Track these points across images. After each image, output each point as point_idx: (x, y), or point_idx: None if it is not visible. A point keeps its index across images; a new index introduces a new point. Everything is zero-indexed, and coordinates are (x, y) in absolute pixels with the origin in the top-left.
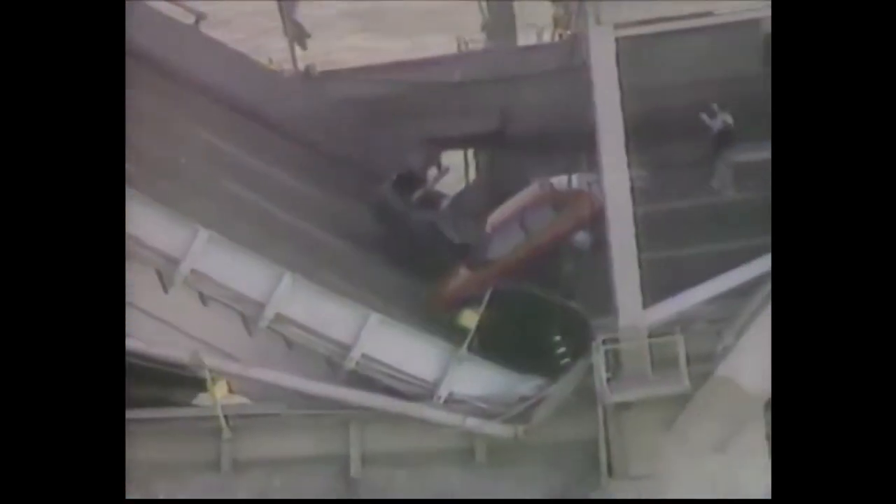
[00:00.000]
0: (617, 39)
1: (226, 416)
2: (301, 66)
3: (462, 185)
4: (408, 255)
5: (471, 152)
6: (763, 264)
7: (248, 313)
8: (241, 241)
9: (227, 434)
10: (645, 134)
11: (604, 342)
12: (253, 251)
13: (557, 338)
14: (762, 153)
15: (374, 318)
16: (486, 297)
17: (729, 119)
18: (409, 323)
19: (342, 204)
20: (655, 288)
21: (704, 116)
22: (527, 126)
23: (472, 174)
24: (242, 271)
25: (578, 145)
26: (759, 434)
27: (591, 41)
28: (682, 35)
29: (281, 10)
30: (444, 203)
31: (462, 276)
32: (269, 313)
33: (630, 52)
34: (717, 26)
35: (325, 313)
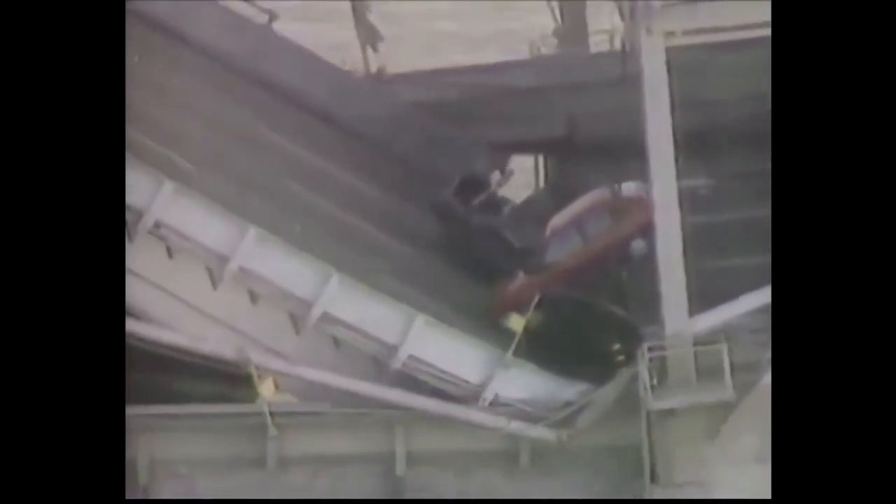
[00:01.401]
0: (668, 49)
1: (271, 414)
2: (373, 68)
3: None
4: (467, 258)
5: (542, 158)
6: None
7: (295, 312)
8: (295, 241)
9: (272, 431)
10: (698, 144)
11: (649, 349)
12: (302, 250)
13: (617, 346)
14: None
15: (421, 319)
16: (534, 302)
17: None
18: (455, 325)
19: (405, 206)
20: (702, 297)
21: None
22: (594, 133)
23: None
24: (291, 270)
25: (642, 153)
26: None
27: (643, 49)
28: (739, 45)
29: (354, 10)
30: (507, 208)
31: (520, 280)
32: (317, 312)
33: (684, 61)
34: None
35: (373, 314)
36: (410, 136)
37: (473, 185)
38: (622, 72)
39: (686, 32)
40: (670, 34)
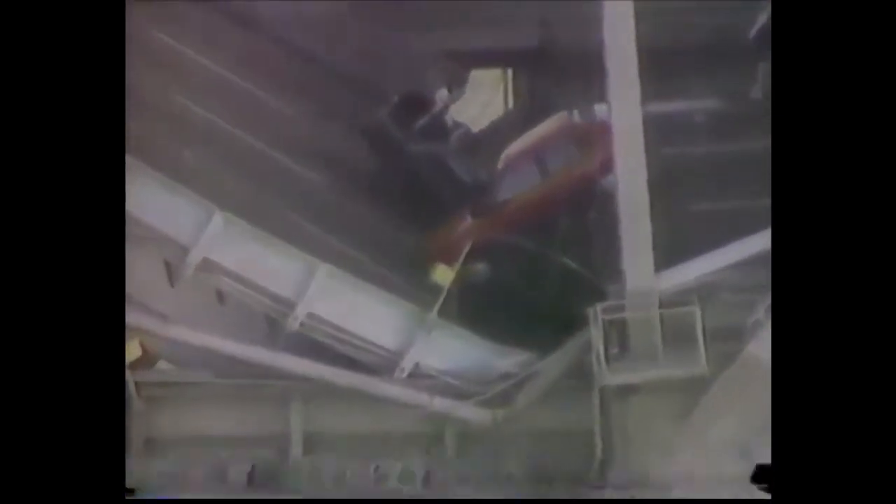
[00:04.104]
0: None
1: (137, 384)
2: None
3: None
4: (402, 195)
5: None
6: None
7: (170, 258)
8: (182, 171)
9: (138, 405)
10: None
11: (604, 311)
12: (181, 181)
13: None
14: None
15: (324, 269)
16: (465, 251)
17: None
18: (374, 279)
19: (327, 128)
20: (672, 248)
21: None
22: (571, 44)
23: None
24: (165, 206)
25: None
26: None
27: None
28: None
29: None
30: (456, 134)
31: (464, 223)
32: (195, 258)
33: None
34: None
35: (265, 261)
36: (345, 44)
37: (416, 105)
38: None
39: None
40: None
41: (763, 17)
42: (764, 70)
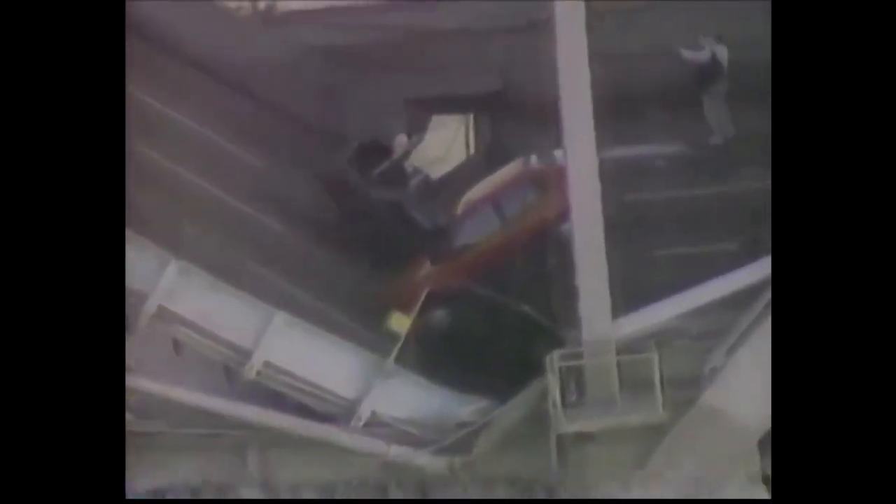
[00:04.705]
0: None
1: None
2: (261, 5)
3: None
4: (363, 242)
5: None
6: (762, 269)
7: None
8: (138, 219)
9: None
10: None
11: (561, 358)
12: (138, 233)
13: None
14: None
15: (281, 317)
16: (422, 298)
17: (721, 51)
18: (334, 327)
19: (288, 174)
20: (631, 294)
21: (685, 51)
22: (532, 88)
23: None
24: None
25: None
26: (754, 477)
27: None
28: None
29: None
30: (416, 180)
31: (423, 269)
32: (151, 307)
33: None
34: None
35: (221, 310)
36: (306, 91)
37: (377, 152)
38: None
39: None
40: None
41: (704, 55)
42: (711, 105)
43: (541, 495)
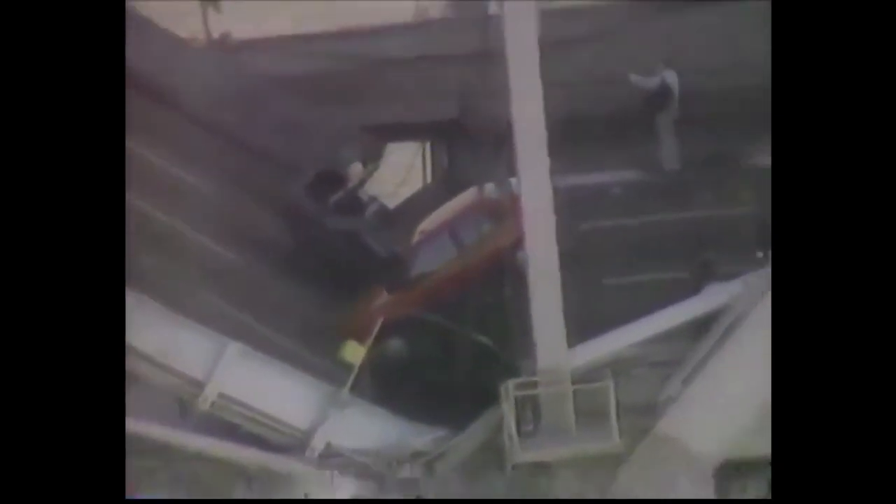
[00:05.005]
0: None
1: None
2: (215, 34)
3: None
4: (318, 271)
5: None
6: (719, 296)
7: None
8: None
9: None
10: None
11: (516, 387)
12: None
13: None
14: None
15: (234, 347)
16: (377, 327)
17: (671, 77)
18: (289, 357)
19: (244, 205)
20: (585, 323)
21: (634, 77)
22: (491, 115)
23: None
24: None
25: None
26: None
27: (507, 17)
28: None
29: None
30: (372, 208)
31: (379, 298)
32: None
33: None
34: None
35: (174, 341)
36: (262, 120)
37: (332, 180)
38: None
39: None
40: None
41: (653, 82)
42: (662, 133)
43: None
